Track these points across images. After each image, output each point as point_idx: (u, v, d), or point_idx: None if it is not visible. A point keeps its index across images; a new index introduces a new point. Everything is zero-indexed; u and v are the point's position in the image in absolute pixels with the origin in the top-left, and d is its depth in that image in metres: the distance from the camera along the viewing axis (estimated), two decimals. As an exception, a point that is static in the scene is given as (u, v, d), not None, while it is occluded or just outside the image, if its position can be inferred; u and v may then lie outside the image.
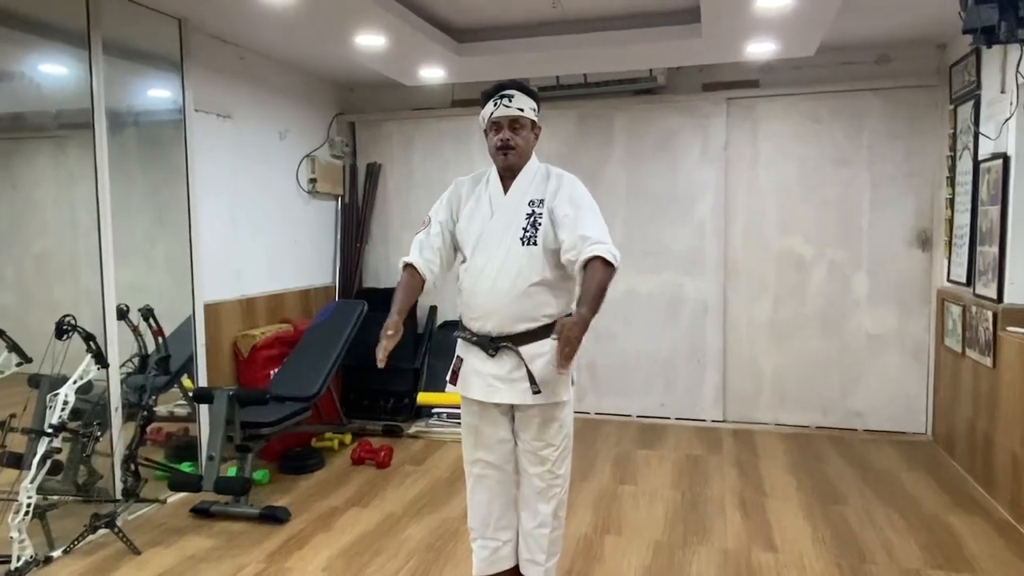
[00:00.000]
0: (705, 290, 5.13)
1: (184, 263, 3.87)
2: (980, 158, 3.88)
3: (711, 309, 5.13)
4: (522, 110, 2.41)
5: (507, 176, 2.48)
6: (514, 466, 2.57)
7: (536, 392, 2.37)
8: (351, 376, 5.31)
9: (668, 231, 5.17)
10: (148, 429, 3.42)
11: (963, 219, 4.12)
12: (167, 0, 3.61)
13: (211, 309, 4.15)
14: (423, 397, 5.07)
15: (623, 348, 5.28)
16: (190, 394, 3.91)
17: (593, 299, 2.18)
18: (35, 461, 2.85)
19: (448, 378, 2.59)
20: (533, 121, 2.47)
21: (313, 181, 5.28)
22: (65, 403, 2.92)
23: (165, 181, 3.89)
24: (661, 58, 4.39)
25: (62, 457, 3.10)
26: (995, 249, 3.63)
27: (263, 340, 4.46)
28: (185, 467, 3.87)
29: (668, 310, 5.21)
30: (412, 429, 4.99)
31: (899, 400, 4.84)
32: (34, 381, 3.19)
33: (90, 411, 3.29)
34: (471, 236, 2.47)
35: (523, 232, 2.39)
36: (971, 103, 4.02)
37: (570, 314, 2.26)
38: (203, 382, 3.96)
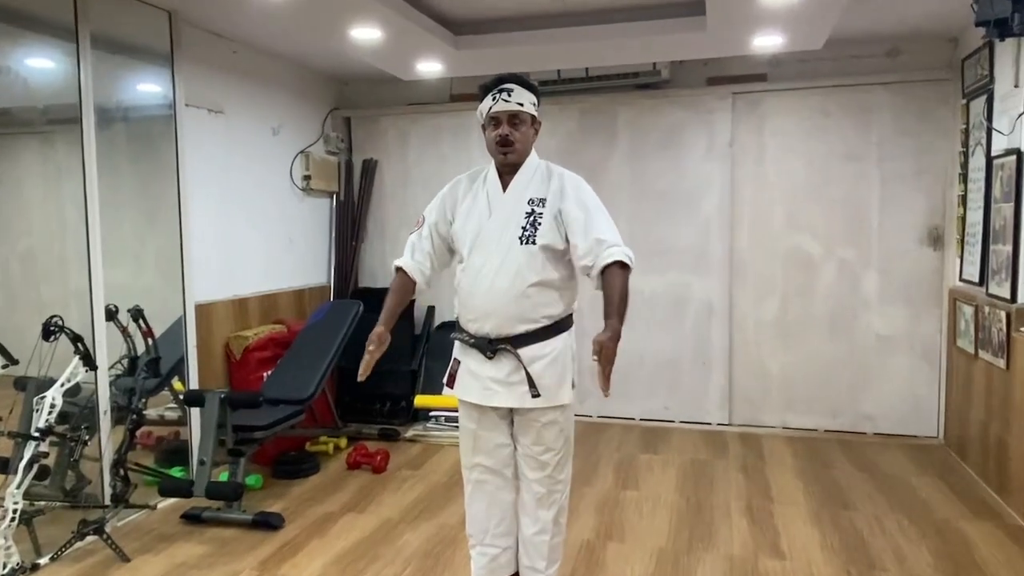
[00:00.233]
0: (710, 290, 5.05)
1: (175, 262, 3.83)
2: (993, 154, 3.83)
3: (716, 309, 5.05)
4: (522, 105, 2.37)
5: (506, 173, 2.44)
6: (513, 471, 2.53)
7: (535, 395, 2.34)
8: (346, 378, 5.23)
9: (672, 229, 5.09)
10: (138, 433, 3.42)
11: (975, 217, 4.05)
12: (157, -8, 3.57)
13: (202, 309, 4.11)
14: (420, 400, 5.02)
15: (626, 349, 5.02)
16: (181, 397, 3.88)
17: (620, 308, 2.20)
18: (21, 466, 2.82)
19: (445, 381, 2.55)
20: (533, 116, 2.43)
21: (307, 178, 5.22)
22: (52, 406, 2.90)
23: (155, 178, 3.85)
24: (665, 51, 4.34)
25: (49, 462, 3.06)
26: (1008, 247, 3.58)
27: (256, 341, 4.41)
28: (176, 472, 3.85)
29: (672, 310, 5.13)
30: (409, 433, 4.94)
31: (910, 403, 4.76)
32: (20, 384, 3.18)
33: (78, 414, 3.28)
34: (468, 235, 2.42)
35: (522, 231, 2.35)
36: (984, 98, 3.96)
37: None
38: (194, 384, 3.92)
